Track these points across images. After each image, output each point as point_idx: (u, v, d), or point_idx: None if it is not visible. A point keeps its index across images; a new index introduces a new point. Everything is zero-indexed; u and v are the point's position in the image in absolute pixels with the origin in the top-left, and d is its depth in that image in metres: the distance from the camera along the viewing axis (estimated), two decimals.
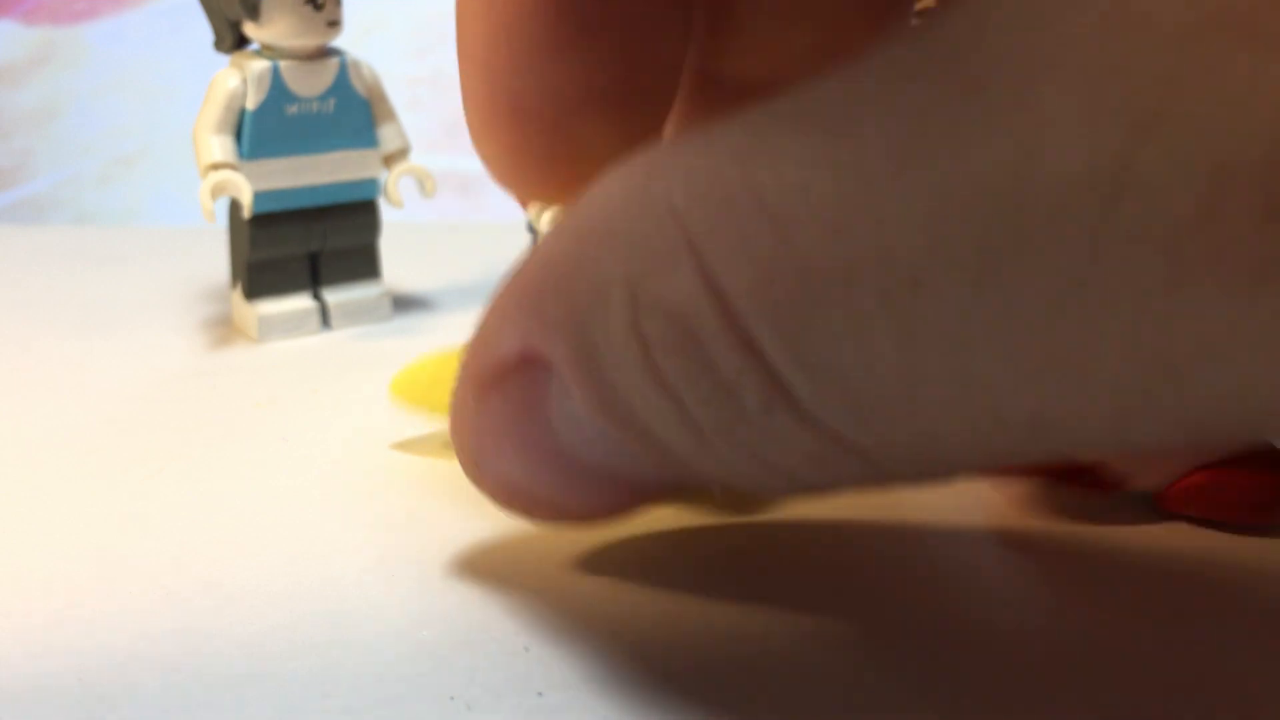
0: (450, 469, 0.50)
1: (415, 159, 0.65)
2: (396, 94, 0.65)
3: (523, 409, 0.33)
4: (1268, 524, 0.44)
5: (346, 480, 0.49)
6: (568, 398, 0.32)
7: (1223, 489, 0.44)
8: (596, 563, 0.43)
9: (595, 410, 0.31)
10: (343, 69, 0.62)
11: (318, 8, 0.60)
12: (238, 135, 0.61)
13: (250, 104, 0.60)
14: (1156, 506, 0.45)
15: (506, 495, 0.36)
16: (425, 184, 0.64)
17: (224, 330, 0.64)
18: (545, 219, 0.61)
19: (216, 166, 0.59)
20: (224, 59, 0.62)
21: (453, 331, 0.65)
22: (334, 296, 0.65)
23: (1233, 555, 0.43)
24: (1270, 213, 0.22)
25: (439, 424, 0.48)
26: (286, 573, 0.43)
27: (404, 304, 0.68)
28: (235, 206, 0.62)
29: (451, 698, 0.36)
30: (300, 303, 0.64)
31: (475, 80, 0.42)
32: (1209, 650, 0.38)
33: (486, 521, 0.46)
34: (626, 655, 0.38)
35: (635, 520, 0.46)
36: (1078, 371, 0.24)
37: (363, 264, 0.65)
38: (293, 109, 0.61)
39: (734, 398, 0.28)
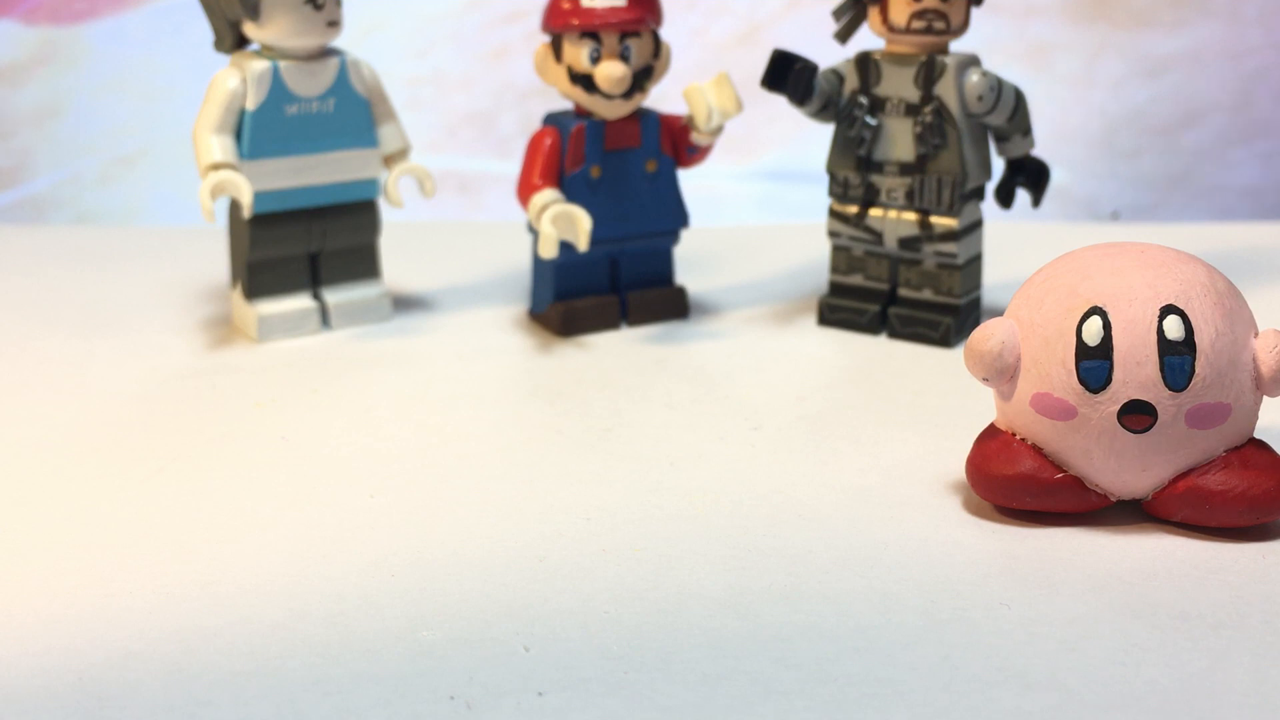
0: (448, 467, 0.50)
1: (415, 159, 0.65)
2: (396, 94, 0.65)
3: None
4: (1254, 527, 0.44)
5: (346, 480, 0.49)
6: None
7: (1210, 494, 0.44)
8: (596, 562, 0.43)
9: None
10: (343, 69, 0.62)
11: (318, 8, 0.60)
12: (237, 135, 0.61)
13: (250, 104, 0.60)
14: (1146, 513, 0.45)
15: None
16: (425, 184, 0.64)
17: (224, 330, 0.64)
18: (546, 218, 0.61)
19: (216, 166, 0.59)
20: (224, 59, 0.62)
21: (453, 332, 0.65)
22: (334, 296, 0.65)
23: (1221, 559, 0.43)
24: None
25: None
26: (286, 573, 0.43)
27: (404, 304, 0.68)
28: (235, 206, 0.62)
29: (451, 698, 0.36)
30: (300, 303, 0.64)
31: None
32: (1202, 654, 0.38)
33: (486, 521, 0.46)
34: (626, 655, 0.38)
35: (635, 520, 0.46)
36: None
37: (363, 264, 0.65)
38: (293, 109, 0.61)
39: None
